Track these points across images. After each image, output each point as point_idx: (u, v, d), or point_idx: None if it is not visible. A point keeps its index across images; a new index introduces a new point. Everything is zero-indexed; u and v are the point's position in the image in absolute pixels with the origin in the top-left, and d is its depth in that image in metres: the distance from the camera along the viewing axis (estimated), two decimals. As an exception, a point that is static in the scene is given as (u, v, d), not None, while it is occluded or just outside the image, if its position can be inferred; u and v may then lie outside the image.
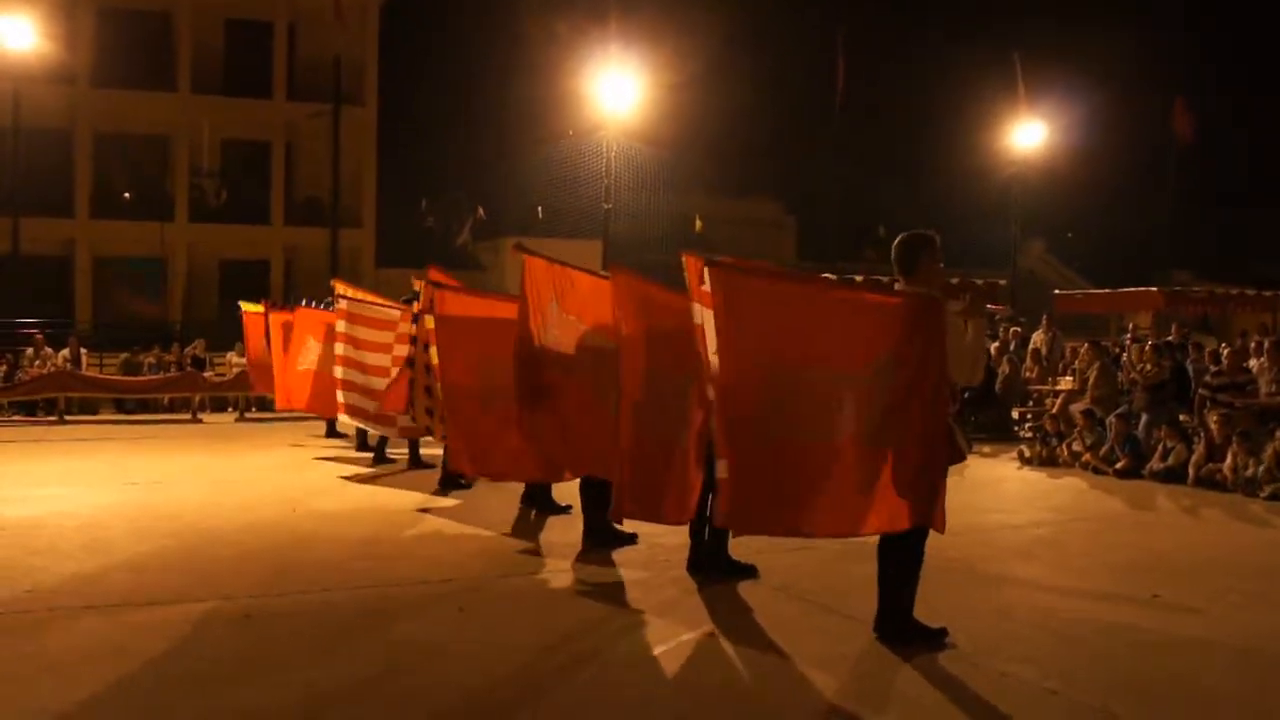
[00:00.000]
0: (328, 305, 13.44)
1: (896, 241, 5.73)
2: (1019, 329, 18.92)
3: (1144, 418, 12.84)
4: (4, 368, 18.89)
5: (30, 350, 20.03)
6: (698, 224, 35.00)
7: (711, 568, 6.92)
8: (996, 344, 17.19)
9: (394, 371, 10.90)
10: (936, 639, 5.53)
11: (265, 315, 15.75)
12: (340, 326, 11.66)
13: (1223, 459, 11.07)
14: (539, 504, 9.25)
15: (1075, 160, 31.95)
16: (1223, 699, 5.03)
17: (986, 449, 14.15)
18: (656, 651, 5.51)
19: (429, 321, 9.07)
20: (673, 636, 5.71)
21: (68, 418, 18.15)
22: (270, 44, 30.84)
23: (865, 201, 34.73)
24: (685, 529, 7.05)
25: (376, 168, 32.54)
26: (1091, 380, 14.13)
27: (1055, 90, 31.13)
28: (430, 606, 6.34)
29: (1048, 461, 12.85)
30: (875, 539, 5.61)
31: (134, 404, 19.67)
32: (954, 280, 20.13)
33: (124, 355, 21.28)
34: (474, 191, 36.25)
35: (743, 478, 5.31)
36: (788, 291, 5.68)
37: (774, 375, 5.43)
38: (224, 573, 7.05)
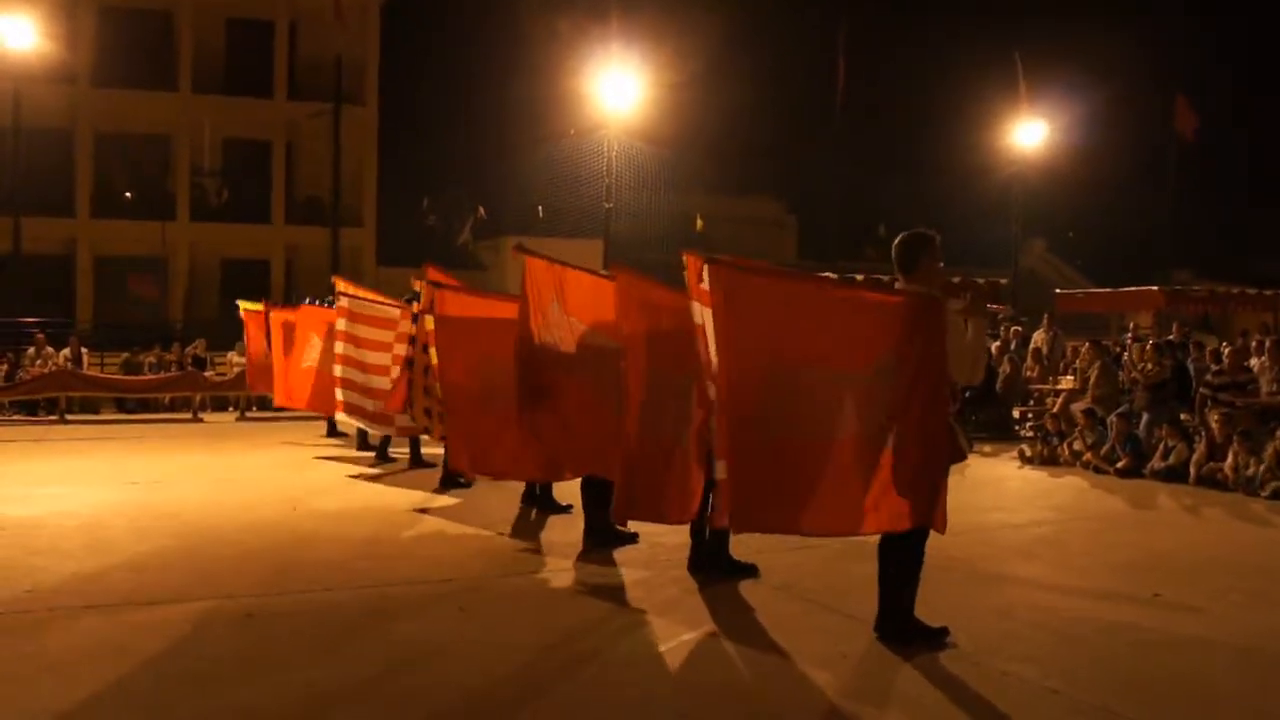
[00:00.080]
0: (330, 304, 13.43)
1: (896, 241, 5.73)
2: (1020, 328, 18.91)
3: (1145, 417, 12.83)
4: (5, 367, 18.89)
5: (31, 349, 20.04)
6: (699, 223, 34.99)
7: (712, 567, 6.92)
8: (997, 343, 17.19)
9: (394, 371, 10.89)
10: (937, 638, 5.53)
11: (265, 314, 15.76)
12: (341, 325, 11.65)
13: (1224, 458, 11.07)
14: (539, 503, 9.25)
15: (1076, 159, 31.93)
16: (1224, 698, 5.03)
17: (987, 448, 14.15)
18: (657, 651, 5.51)
19: (429, 322, 9.07)
20: (674, 636, 5.71)
21: (68, 417, 18.16)
22: (271, 43, 30.86)
23: (866, 201, 34.72)
24: (686, 529, 7.05)
25: (377, 167, 32.57)
26: (1092, 379, 14.13)
27: (1056, 89, 31.14)
28: (431, 606, 6.34)
29: (1049, 461, 12.85)
30: (876, 538, 5.61)
31: (135, 403, 19.67)
32: (955, 279, 20.13)
33: (125, 355, 21.29)
34: (475, 191, 36.29)
35: (743, 477, 5.31)
36: (788, 290, 5.67)
37: (774, 374, 5.43)
38: (224, 572, 7.05)
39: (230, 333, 19.53)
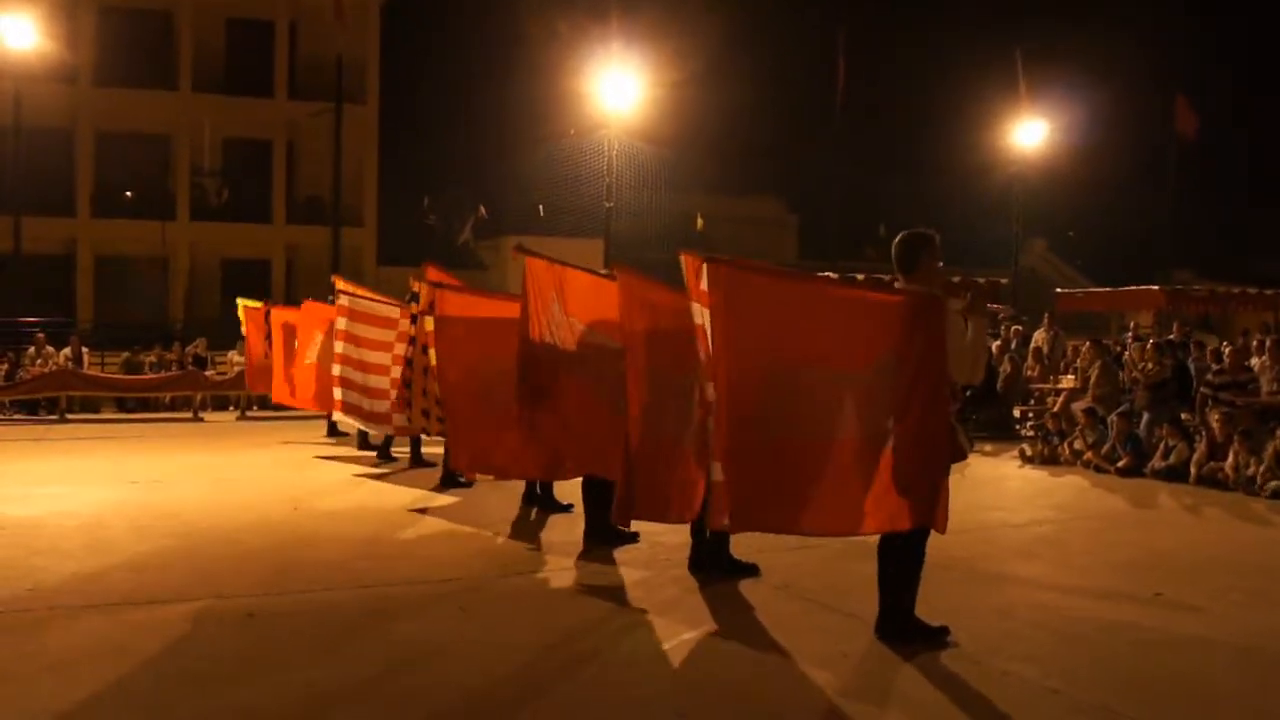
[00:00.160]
0: (332, 301, 13.42)
1: (896, 240, 5.73)
2: (1020, 327, 18.91)
3: (1145, 416, 12.83)
4: (6, 366, 18.89)
5: (32, 349, 20.03)
6: (699, 222, 34.96)
7: (713, 567, 6.92)
8: (998, 342, 17.18)
9: (394, 371, 10.90)
10: (938, 638, 5.53)
11: (265, 313, 15.75)
12: (341, 324, 11.62)
13: (1224, 457, 11.07)
14: (540, 503, 9.25)
15: (1076, 159, 31.90)
16: (1224, 697, 5.03)
17: (988, 447, 14.15)
18: (658, 650, 5.51)
19: (428, 323, 9.07)
20: (674, 635, 5.71)
21: (69, 416, 18.16)
22: (271, 43, 30.88)
23: (867, 200, 34.70)
24: (686, 528, 7.05)
25: (378, 166, 32.58)
26: (1093, 379, 14.12)
27: (1056, 88, 31.10)
28: (431, 606, 6.34)
29: (1049, 460, 12.84)
30: (876, 537, 5.60)
31: (135, 403, 19.66)
32: (955, 279, 20.12)
33: (125, 354, 21.30)
34: (475, 190, 36.27)
35: (743, 477, 5.30)
36: (787, 289, 5.66)
37: (774, 373, 5.42)
38: (225, 572, 7.05)
39: (231, 332, 19.53)
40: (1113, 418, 12.43)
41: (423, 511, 9.30)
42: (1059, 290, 29.45)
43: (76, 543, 7.79)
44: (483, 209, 35.70)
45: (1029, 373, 16.86)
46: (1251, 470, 10.70)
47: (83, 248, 29.28)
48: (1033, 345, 17.51)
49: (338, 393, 11.59)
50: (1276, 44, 41.18)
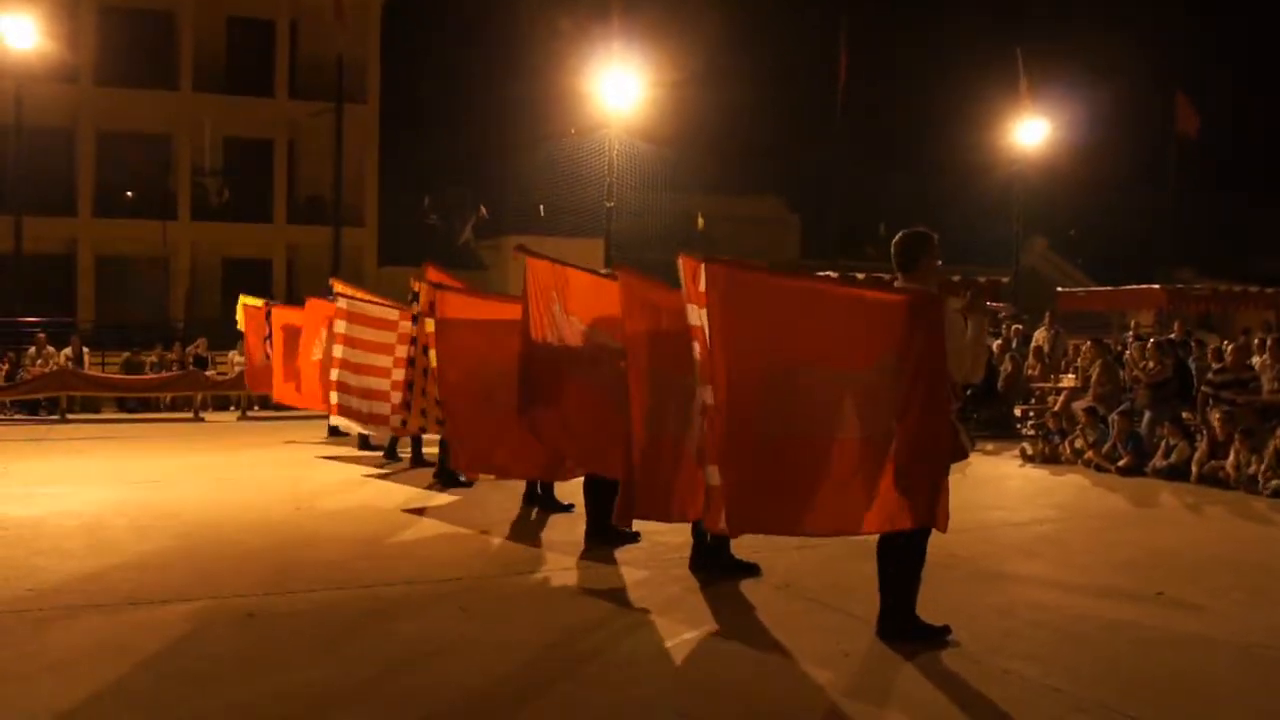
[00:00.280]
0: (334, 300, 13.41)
1: (895, 239, 5.73)
2: (1021, 326, 18.89)
3: (1146, 415, 12.82)
4: (6, 366, 18.89)
5: (32, 349, 20.02)
6: (700, 222, 34.95)
7: (713, 566, 6.92)
8: (999, 341, 17.17)
9: (396, 373, 10.89)
10: (939, 637, 5.53)
11: (266, 314, 15.73)
12: (340, 327, 11.58)
13: (1225, 456, 11.06)
14: (541, 503, 9.25)
15: (1077, 158, 31.91)
16: (1225, 696, 5.03)
17: (989, 446, 14.15)
18: (659, 650, 5.51)
19: (429, 324, 9.07)
20: (675, 635, 5.71)
21: (70, 416, 18.16)
22: (272, 42, 30.85)
23: (868, 199, 34.68)
24: (687, 527, 7.06)
25: (378, 166, 32.54)
26: (1094, 377, 14.11)
27: (1057, 87, 31.09)
28: (432, 606, 6.34)
29: (1050, 459, 12.84)
30: (876, 536, 5.60)
31: (136, 403, 19.66)
32: (956, 278, 20.12)
33: (126, 354, 21.30)
34: (476, 190, 36.22)
35: (743, 479, 5.29)
36: (786, 289, 5.66)
37: (773, 374, 5.42)
38: (225, 572, 7.05)
39: (232, 332, 19.50)
40: (1114, 417, 12.43)
41: (423, 511, 9.30)
42: (1060, 289, 29.42)
43: (77, 542, 7.80)
44: (483, 209, 35.68)
45: (1030, 372, 16.85)
46: (1253, 469, 10.69)
47: (83, 247, 29.26)
48: (1034, 344, 17.50)
49: (334, 397, 11.58)
50: (1276, 44, 41.13)
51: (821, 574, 6.94)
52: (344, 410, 11.59)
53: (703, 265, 5.36)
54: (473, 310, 8.96)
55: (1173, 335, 17.79)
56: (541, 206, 33.44)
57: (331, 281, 12.63)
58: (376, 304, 11.73)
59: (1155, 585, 6.87)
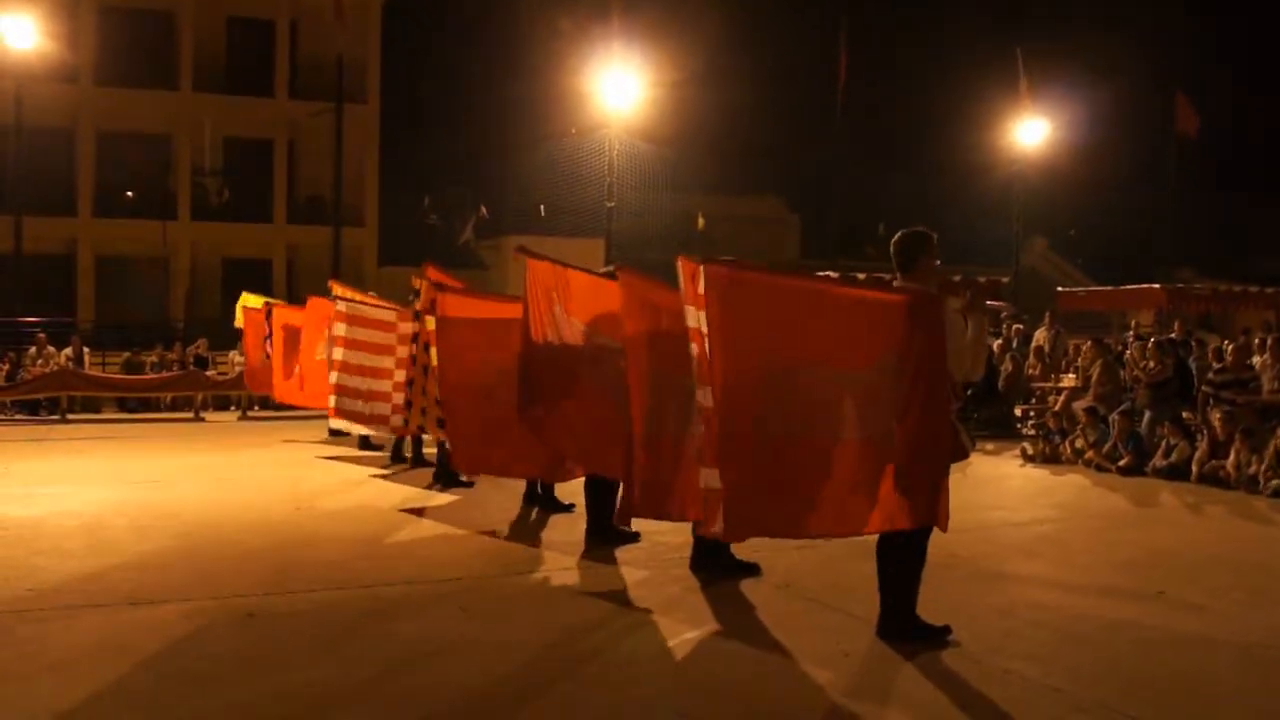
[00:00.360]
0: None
1: (894, 239, 5.73)
2: (1021, 326, 18.89)
3: (1147, 415, 12.82)
4: (7, 366, 18.88)
5: (33, 349, 20.01)
6: (700, 222, 34.95)
7: (714, 566, 6.91)
8: (999, 341, 17.17)
9: (398, 374, 10.89)
10: (939, 637, 5.53)
11: (266, 312, 15.72)
12: (339, 329, 11.55)
13: (1226, 456, 11.06)
14: (541, 503, 9.25)
15: (1077, 158, 31.92)
16: (1226, 696, 5.02)
17: (989, 446, 14.15)
18: (659, 649, 5.51)
19: (430, 322, 9.06)
20: (676, 634, 5.71)
21: (70, 416, 18.15)
22: (272, 42, 30.88)
23: (868, 199, 34.68)
24: (687, 527, 7.05)
25: (379, 166, 32.55)
26: (1094, 377, 14.11)
27: (1057, 87, 31.11)
28: (432, 606, 6.33)
29: (1050, 459, 12.84)
30: (877, 536, 5.60)
31: (136, 403, 19.65)
32: (956, 278, 20.11)
33: (126, 354, 21.30)
34: (476, 190, 36.23)
35: (742, 481, 5.27)
36: (785, 290, 5.65)
37: (772, 375, 5.41)
38: (226, 572, 7.05)
39: (232, 332, 19.52)
40: (1114, 416, 12.43)
41: (423, 511, 9.30)
42: (1060, 289, 29.41)
43: (77, 542, 7.80)
44: (484, 209, 35.68)
45: (1030, 371, 16.85)
46: (1253, 469, 10.69)
47: (83, 247, 29.27)
48: (1034, 344, 17.50)
49: (333, 399, 11.56)
50: (1276, 44, 41.14)
51: (821, 574, 6.94)
52: (343, 412, 11.58)
53: (702, 267, 5.35)
54: (472, 310, 8.95)
55: (1173, 335, 17.79)
56: (542, 206, 33.45)
57: (330, 283, 12.61)
58: (375, 306, 11.72)
59: (1155, 585, 6.87)
